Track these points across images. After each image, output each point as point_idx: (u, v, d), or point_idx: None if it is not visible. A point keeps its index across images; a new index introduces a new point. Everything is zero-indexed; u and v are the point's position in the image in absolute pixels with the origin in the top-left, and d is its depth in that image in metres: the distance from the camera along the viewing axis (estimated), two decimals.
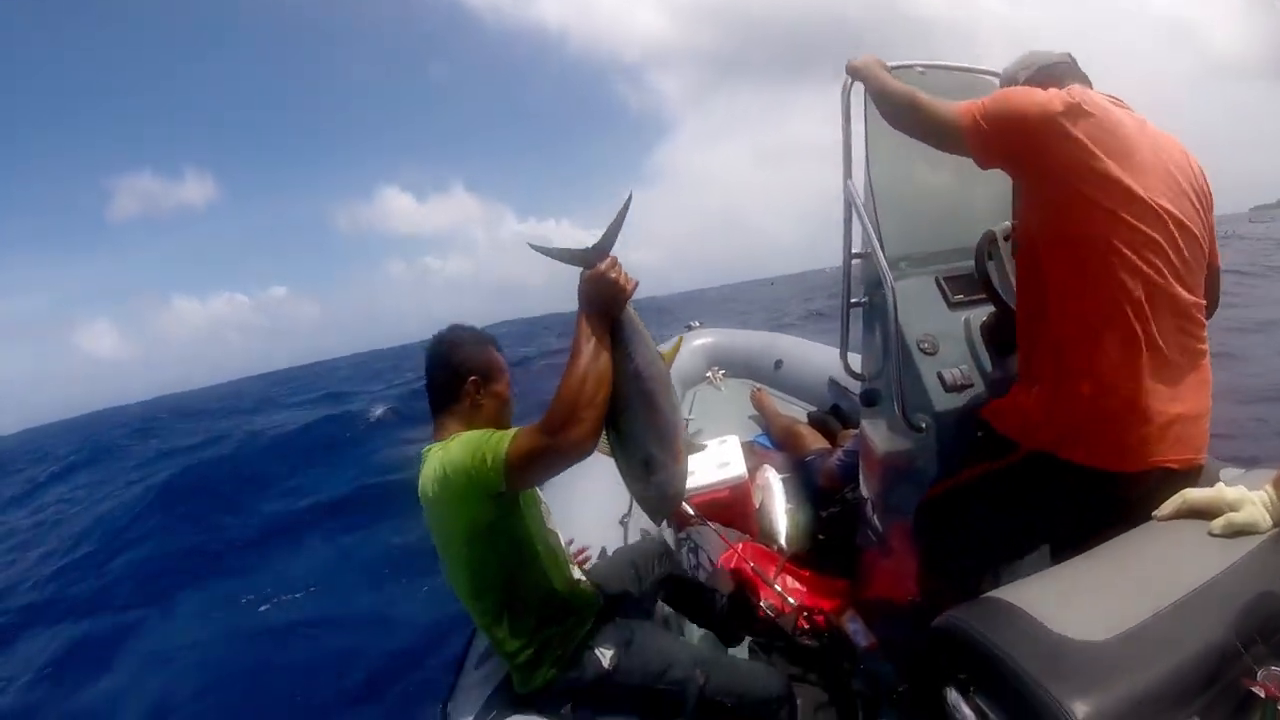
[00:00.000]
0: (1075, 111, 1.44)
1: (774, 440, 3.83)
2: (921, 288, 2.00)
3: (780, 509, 3.07)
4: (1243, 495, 1.26)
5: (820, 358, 4.24)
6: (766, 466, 3.36)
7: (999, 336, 1.94)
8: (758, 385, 4.41)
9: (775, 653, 2.32)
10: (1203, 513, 1.28)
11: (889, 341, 1.84)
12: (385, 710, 3.69)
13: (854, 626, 2.53)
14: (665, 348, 1.75)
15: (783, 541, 2.91)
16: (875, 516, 2.32)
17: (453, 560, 1.72)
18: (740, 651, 2.42)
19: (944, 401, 1.83)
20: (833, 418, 3.64)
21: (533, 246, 1.57)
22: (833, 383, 4.01)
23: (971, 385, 1.88)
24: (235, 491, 9.56)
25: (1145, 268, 1.42)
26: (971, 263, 1.97)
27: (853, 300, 2.05)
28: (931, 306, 1.97)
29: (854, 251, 1.99)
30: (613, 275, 1.53)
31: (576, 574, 1.93)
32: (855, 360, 2.19)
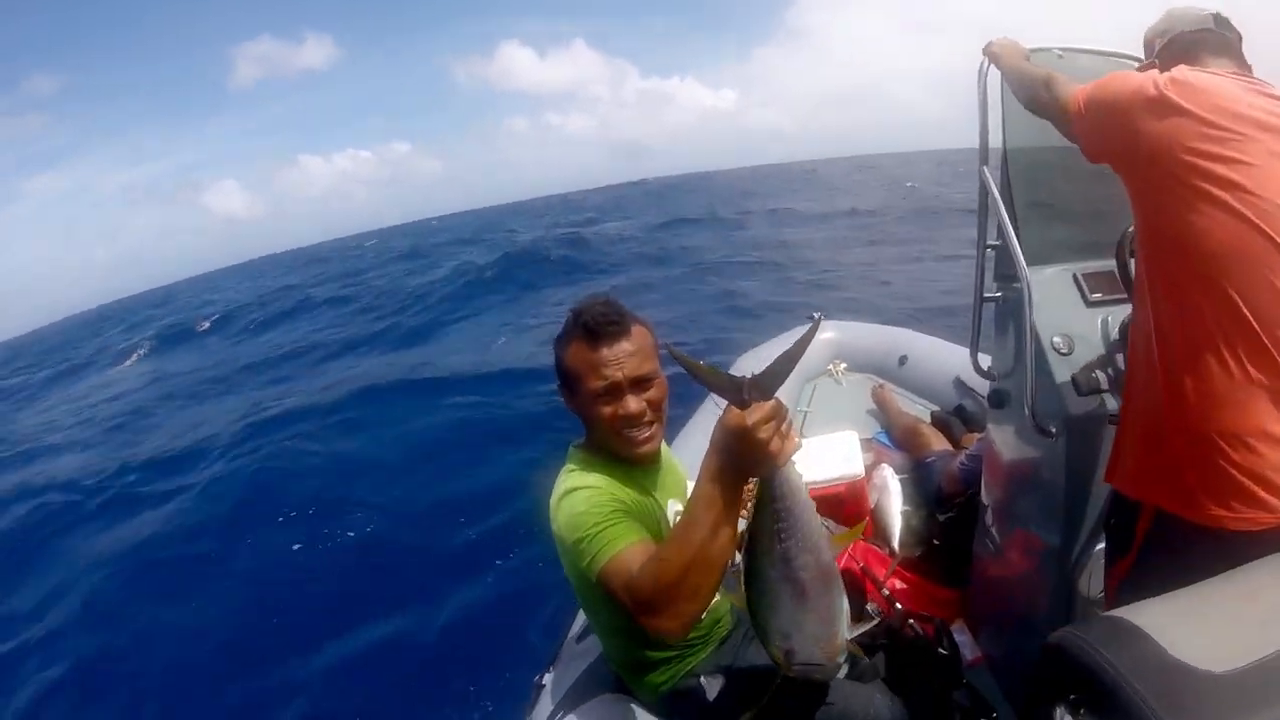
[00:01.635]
0: (1170, 97, 1.27)
1: (894, 439, 3.69)
2: (1058, 283, 1.88)
3: (896, 510, 2.96)
4: None
5: (948, 356, 4.04)
6: (884, 465, 3.25)
7: None
8: (880, 381, 4.26)
9: (878, 652, 2.25)
10: None
11: (1021, 339, 1.74)
12: (473, 661, 3.77)
13: (961, 638, 2.43)
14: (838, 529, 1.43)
15: (895, 544, 2.81)
16: (994, 526, 2.21)
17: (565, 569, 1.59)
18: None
19: (1077, 406, 1.71)
20: (956, 419, 3.47)
21: (672, 352, 1.24)
22: (959, 383, 3.82)
23: (1107, 390, 1.75)
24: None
25: (1261, 278, 1.23)
26: (1112, 260, 1.84)
27: (985, 294, 1.95)
28: (1068, 304, 1.85)
29: (988, 242, 1.89)
30: (762, 434, 1.11)
31: None
32: (985, 359, 2.09)
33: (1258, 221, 1.21)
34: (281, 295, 22.36)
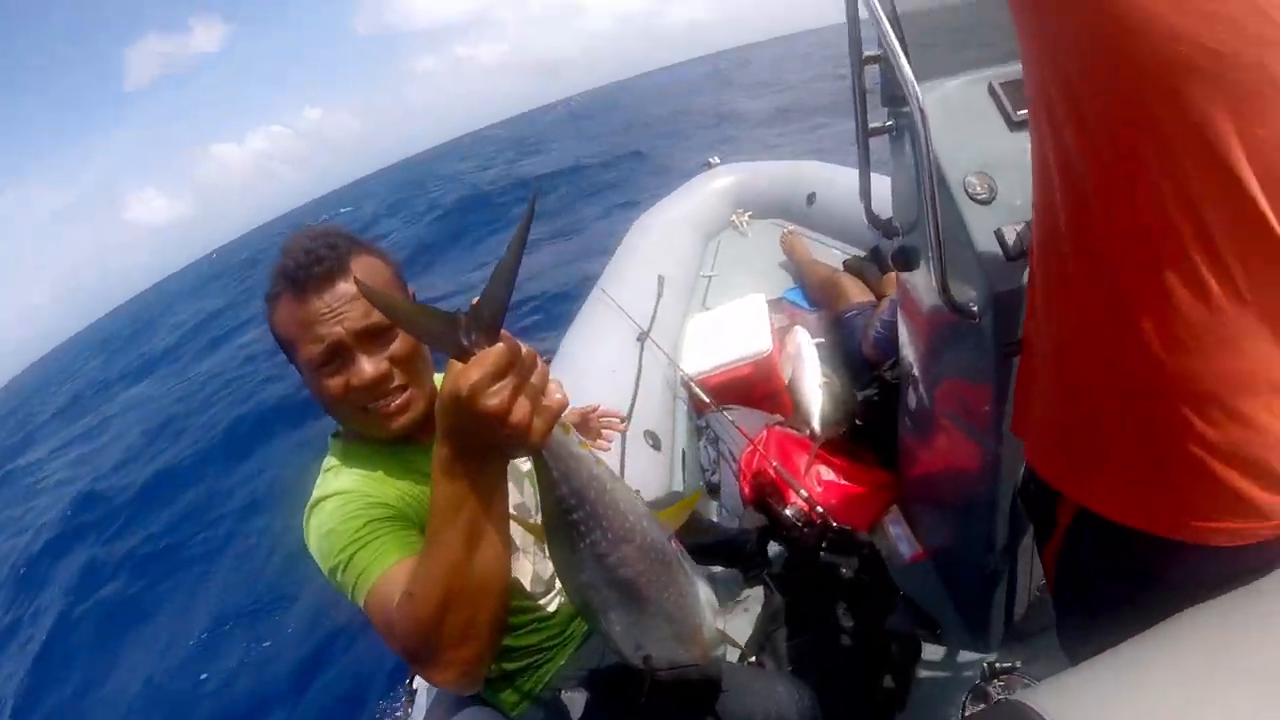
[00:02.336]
0: None
1: (808, 294, 3.26)
2: (969, 99, 1.36)
3: (814, 382, 2.56)
4: None
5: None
6: (798, 329, 2.83)
7: None
8: (788, 226, 3.78)
9: (795, 583, 1.89)
10: None
11: (922, 184, 1.26)
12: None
13: (896, 530, 2.10)
14: (639, 486, 1.01)
15: (816, 425, 2.42)
16: (922, 389, 1.79)
17: None
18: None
19: (1005, 276, 1.25)
20: (870, 264, 2.99)
21: (360, 287, 0.79)
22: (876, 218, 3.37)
23: None
24: None
25: (1261, 86, 0.64)
26: None
27: (871, 125, 1.44)
28: (985, 127, 1.34)
29: (865, 54, 1.36)
30: (489, 403, 0.70)
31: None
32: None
33: (1246, 64, 0.63)
34: (211, 323, 19.02)
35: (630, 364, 2.63)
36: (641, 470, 2.17)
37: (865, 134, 1.44)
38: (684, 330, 3.10)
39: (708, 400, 2.53)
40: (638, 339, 2.77)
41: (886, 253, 2.93)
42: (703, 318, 3.16)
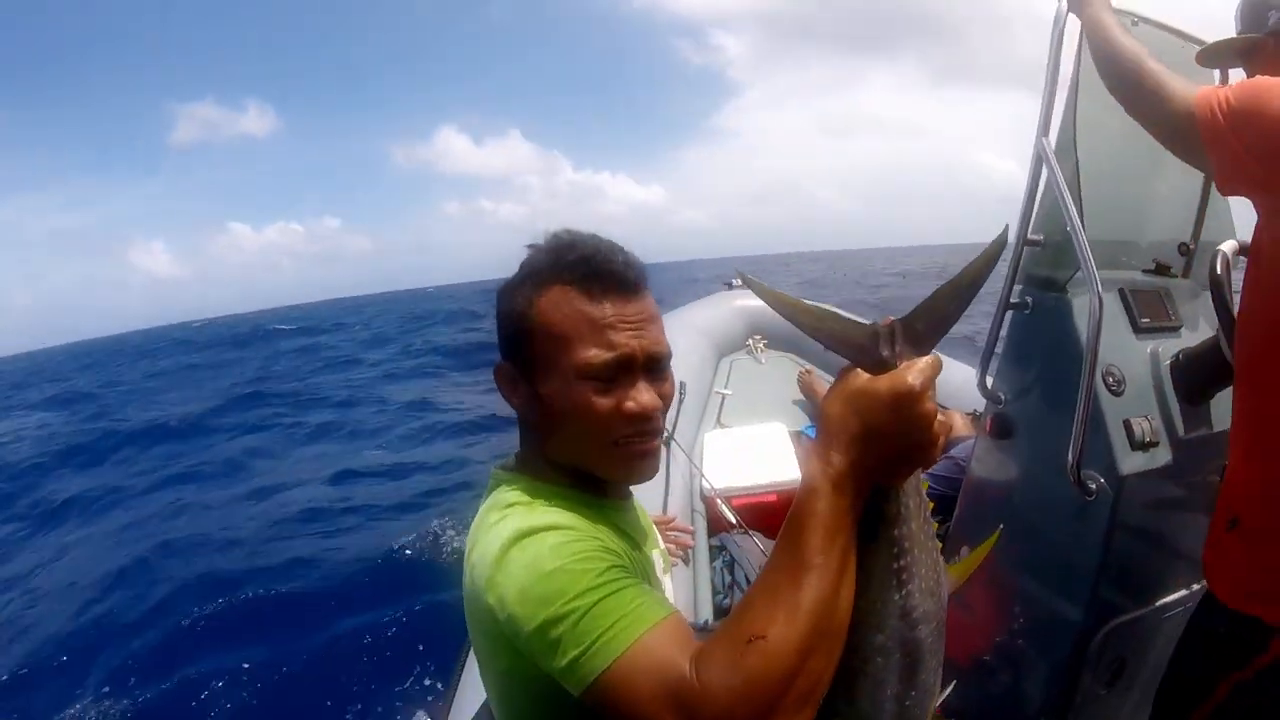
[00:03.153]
0: None
1: None
2: (1104, 300, 1.51)
3: None
4: None
5: None
6: None
7: (1191, 379, 1.48)
8: (805, 365, 3.90)
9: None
10: None
11: (1068, 364, 1.38)
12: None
13: None
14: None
15: None
16: (964, 546, 1.85)
17: (482, 676, 1.01)
18: None
19: (1129, 462, 1.36)
20: None
21: (750, 284, 0.80)
22: None
23: (1157, 443, 1.41)
24: None
25: None
26: (1154, 278, 1.59)
27: (1011, 300, 1.56)
28: (1116, 329, 1.48)
29: (1029, 236, 1.49)
30: (930, 405, 0.69)
31: None
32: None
33: None
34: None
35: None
36: (672, 588, 2.14)
37: (1004, 309, 1.55)
38: (700, 443, 3.14)
39: (733, 521, 2.52)
40: (663, 441, 2.78)
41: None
42: (721, 435, 3.20)
